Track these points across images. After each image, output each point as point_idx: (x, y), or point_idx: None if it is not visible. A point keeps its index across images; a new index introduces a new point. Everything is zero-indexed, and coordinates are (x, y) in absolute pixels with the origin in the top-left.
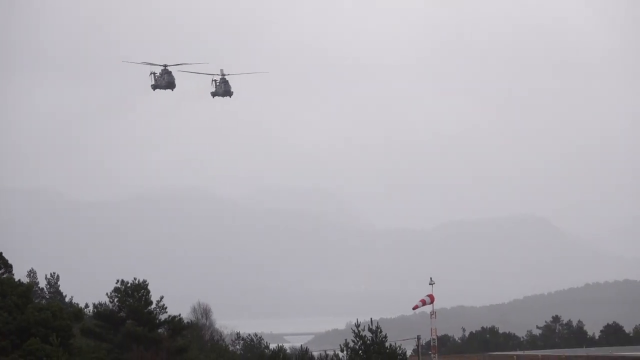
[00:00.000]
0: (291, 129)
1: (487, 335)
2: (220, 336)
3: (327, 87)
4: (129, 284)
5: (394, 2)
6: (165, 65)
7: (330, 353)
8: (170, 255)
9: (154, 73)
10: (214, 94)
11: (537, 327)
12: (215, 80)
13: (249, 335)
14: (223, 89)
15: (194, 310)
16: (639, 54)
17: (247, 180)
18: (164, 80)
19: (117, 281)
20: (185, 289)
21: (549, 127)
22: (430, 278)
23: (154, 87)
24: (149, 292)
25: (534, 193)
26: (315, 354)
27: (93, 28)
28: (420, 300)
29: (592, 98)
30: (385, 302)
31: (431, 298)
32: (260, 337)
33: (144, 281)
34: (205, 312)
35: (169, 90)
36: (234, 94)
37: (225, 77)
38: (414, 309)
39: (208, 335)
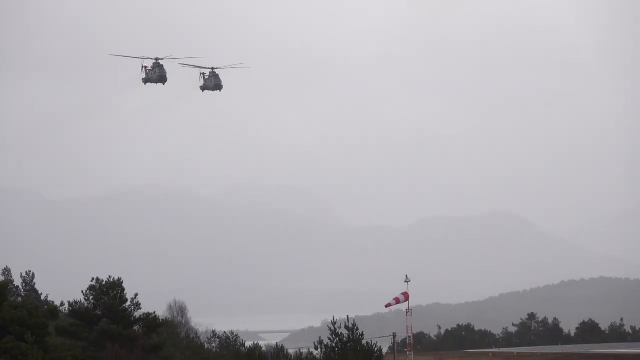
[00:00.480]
0: (268, 128)
1: (463, 333)
2: (196, 334)
3: (304, 85)
4: (104, 282)
5: (378, 2)
6: (156, 59)
7: (305, 351)
8: (146, 253)
9: (145, 67)
10: (203, 88)
11: (513, 325)
12: (204, 74)
13: (225, 333)
14: (213, 82)
15: (170, 307)
16: (617, 56)
17: (222, 178)
18: (156, 74)
19: (93, 279)
20: (161, 286)
21: (524, 127)
22: (406, 275)
23: (145, 81)
24: (124, 290)
25: (510, 191)
26: (291, 351)
27: (77, 26)
28: (394, 299)
29: (570, 99)
30: (362, 299)
31: (406, 296)
32: (236, 335)
33: (119, 279)
34: (181, 309)
35: (159, 85)
36: (223, 88)
37: (216, 70)
38: (386, 306)
39: (184, 333)
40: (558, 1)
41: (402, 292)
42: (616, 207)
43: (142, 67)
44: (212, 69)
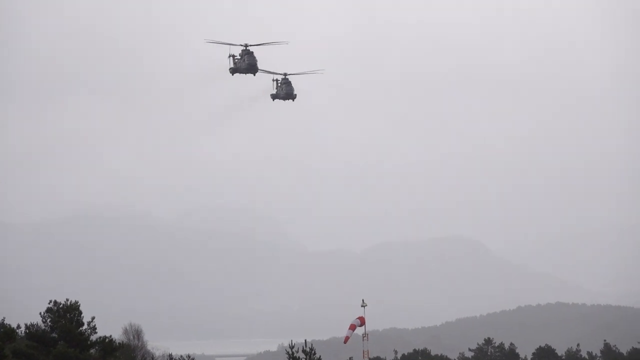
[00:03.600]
0: (223, 149)
1: (419, 358)
2: (152, 357)
3: (262, 109)
4: (62, 305)
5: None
6: (245, 45)
7: None
8: (101, 276)
9: (233, 56)
10: (274, 96)
11: (470, 350)
12: (277, 81)
13: (181, 356)
14: (285, 90)
15: (126, 331)
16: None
17: (178, 200)
18: (244, 63)
19: (50, 302)
20: (116, 309)
21: (481, 152)
22: (362, 300)
23: (233, 70)
24: (81, 313)
25: (467, 216)
26: None
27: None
28: (350, 328)
29: (517, 115)
30: (319, 323)
31: (361, 320)
32: (192, 359)
33: (76, 302)
34: (137, 333)
35: (249, 76)
36: (296, 97)
37: (287, 77)
38: (345, 342)
39: (140, 356)
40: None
41: (357, 316)
42: (573, 232)
43: (230, 56)
44: (285, 75)
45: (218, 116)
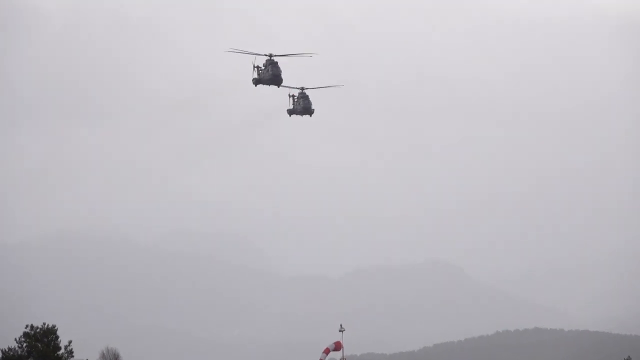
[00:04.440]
0: (200, 172)
1: None
2: None
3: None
4: (39, 329)
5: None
6: (270, 55)
7: None
8: (78, 299)
9: (258, 67)
10: (290, 112)
11: None
12: (293, 96)
13: None
14: (302, 105)
15: (103, 355)
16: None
17: (157, 223)
18: (268, 73)
19: (27, 326)
20: (94, 334)
21: (458, 175)
22: (340, 325)
23: (256, 81)
24: (57, 337)
25: (446, 240)
26: None
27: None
28: (324, 351)
29: (495, 141)
30: (297, 349)
31: (338, 345)
32: None
33: (54, 326)
34: (115, 357)
35: (273, 88)
36: (314, 112)
37: (305, 91)
38: None
39: None
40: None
41: (334, 341)
42: (551, 257)
43: (254, 66)
44: (302, 89)
45: (199, 146)
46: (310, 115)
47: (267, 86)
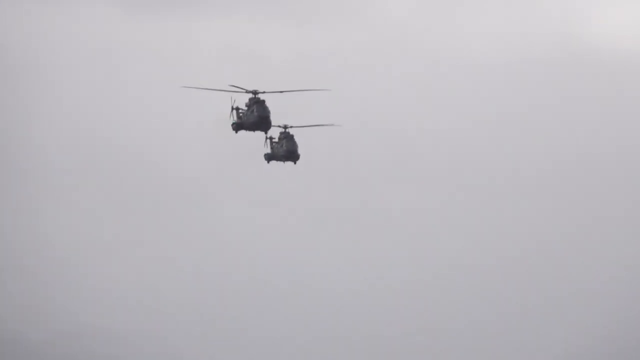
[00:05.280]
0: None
1: None
2: None
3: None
4: None
5: None
6: (255, 92)
7: None
8: None
9: (236, 108)
10: (269, 157)
11: None
12: (271, 138)
13: None
14: (285, 148)
15: None
16: None
17: (52, 321)
18: (253, 115)
19: None
20: None
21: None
22: None
23: (237, 126)
24: None
25: None
26: None
27: None
28: None
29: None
30: None
31: None
32: None
33: None
34: None
35: (259, 134)
36: (299, 158)
37: (288, 129)
38: None
39: None
40: None
41: None
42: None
43: (233, 108)
44: (285, 127)
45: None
46: (295, 162)
47: (252, 132)
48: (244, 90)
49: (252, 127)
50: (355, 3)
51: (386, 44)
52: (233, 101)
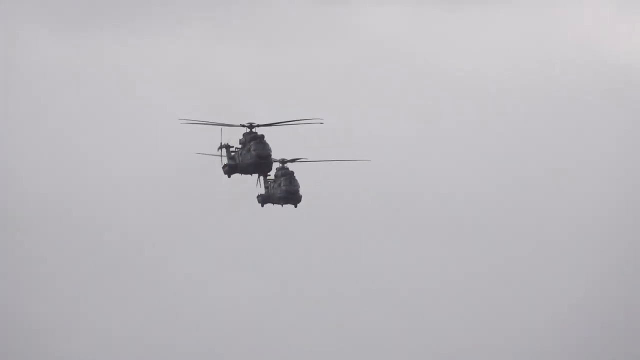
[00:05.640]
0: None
1: None
2: None
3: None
4: None
5: None
6: (250, 126)
7: None
8: None
9: (225, 146)
10: (263, 200)
11: None
12: (261, 179)
13: None
14: (284, 187)
15: None
16: None
17: None
18: (250, 154)
19: None
20: None
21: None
22: None
23: (230, 169)
24: None
25: None
26: None
27: None
28: None
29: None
30: None
31: None
32: None
33: None
34: None
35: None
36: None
37: (286, 165)
38: None
39: None
40: None
41: None
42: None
43: (221, 145)
44: (282, 162)
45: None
46: (296, 205)
47: (249, 175)
48: (237, 124)
49: (248, 169)
50: (329, 23)
51: (365, 64)
52: (222, 142)
